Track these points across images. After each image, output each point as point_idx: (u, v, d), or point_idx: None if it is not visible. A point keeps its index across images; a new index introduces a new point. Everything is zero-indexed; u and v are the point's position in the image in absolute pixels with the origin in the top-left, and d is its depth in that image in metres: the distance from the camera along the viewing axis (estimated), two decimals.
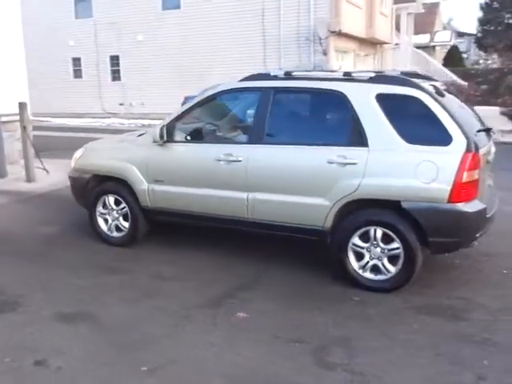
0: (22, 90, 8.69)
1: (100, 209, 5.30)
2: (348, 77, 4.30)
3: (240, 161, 4.48)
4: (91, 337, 3.51)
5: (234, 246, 5.13)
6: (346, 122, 4.21)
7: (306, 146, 4.30)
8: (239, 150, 4.51)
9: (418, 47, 26.90)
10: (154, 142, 4.77)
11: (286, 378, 3.02)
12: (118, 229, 5.26)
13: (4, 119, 8.29)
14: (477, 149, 3.83)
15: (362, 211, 4.12)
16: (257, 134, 4.48)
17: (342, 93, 4.19)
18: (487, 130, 4.38)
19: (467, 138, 3.81)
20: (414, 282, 4.24)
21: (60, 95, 21.37)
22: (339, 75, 4.36)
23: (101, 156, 5.32)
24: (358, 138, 4.09)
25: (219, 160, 4.55)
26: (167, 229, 5.41)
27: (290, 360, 3.20)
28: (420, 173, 3.87)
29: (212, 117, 4.94)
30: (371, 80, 4.19)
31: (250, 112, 4.62)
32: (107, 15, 20.11)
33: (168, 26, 19.11)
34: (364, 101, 4.11)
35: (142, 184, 4.97)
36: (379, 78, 4.20)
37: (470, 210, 3.83)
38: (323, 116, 4.51)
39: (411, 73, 4.89)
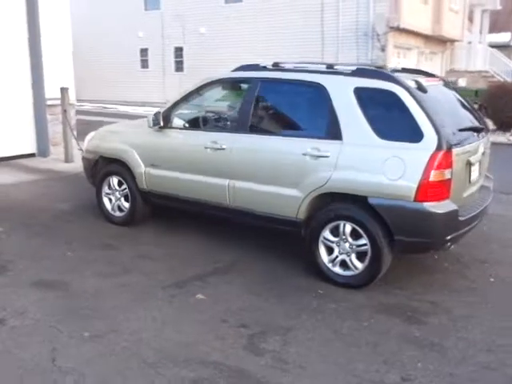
0: (68, 76, 9.22)
1: (105, 189, 5.60)
2: (331, 69, 4.27)
3: (224, 149, 4.58)
4: (54, 303, 3.77)
5: (223, 234, 5.24)
6: (324, 115, 4.17)
7: (284, 137, 4.32)
8: (224, 138, 4.61)
9: (495, 46, 25.46)
10: (148, 127, 4.98)
11: (210, 357, 3.09)
12: (119, 209, 5.54)
13: (49, 103, 8.89)
14: (449, 147, 3.68)
15: (333, 205, 4.09)
16: (241, 124, 4.56)
17: (322, 85, 4.17)
18: (473, 129, 4.17)
19: (439, 135, 3.66)
20: (389, 280, 4.18)
21: (127, 84, 22.40)
22: (322, 68, 4.33)
23: (107, 139, 5.61)
24: (333, 131, 4.06)
25: (206, 147, 4.68)
26: (171, 213, 5.61)
27: (224, 342, 3.27)
28: (387, 169, 3.78)
29: (204, 105, 5.07)
30: (352, 73, 4.13)
31: (238, 101, 4.68)
32: (173, 8, 20.78)
33: (229, 19, 19.43)
34: (342, 94, 4.07)
35: (139, 167, 5.20)
36: (361, 71, 4.13)
37: (437, 211, 3.69)
38: (303, 108, 4.49)
39: (413, 69, 4.77)
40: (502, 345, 3.32)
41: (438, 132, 3.67)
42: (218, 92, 4.92)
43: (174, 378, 2.88)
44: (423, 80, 4.18)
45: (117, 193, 5.51)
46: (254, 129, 4.51)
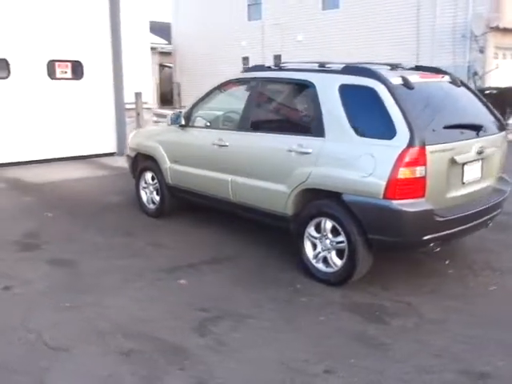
0: (145, 83, 10.08)
1: (142, 183, 6.12)
2: (322, 68, 4.31)
3: (227, 145, 4.81)
4: (58, 278, 4.28)
5: (235, 228, 5.44)
6: (312, 112, 4.22)
7: (275, 134, 4.44)
8: (227, 136, 4.84)
9: None
10: (168, 125, 5.38)
11: (157, 333, 3.32)
12: (152, 202, 6.01)
13: (128, 107, 9.79)
14: (422, 144, 3.55)
15: (316, 201, 4.12)
16: (242, 122, 4.76)
17: (312, 83, 4.23)
18: (466, 127, 3.92)
19: (411, 131, 3.54)
20: (377, 280, 4.12)
21: None
22: (315, 66, 4.38)
23: (144, 137, 6.12)
24: (317, 128, 4.09)
25: (214, 144, 4.95)
26: (199, 208, 5.93)
27: (177, 322, 3.49)
28: (360, 166, 3.74)
29: (218, 105, 5.32)
30: (340, 71, 4.14)
31: (243, 100, 4.87)
32: (273, 17, 21.33)
33: (326, 26, 19.47)
34: (328, 91, 4.09)
35: (165, 163, 5.62)
36: (348, 68, 4.11)
37: (407, 210, 3.57)
38: (295, 105, 4.55)
39: (426, 67, 4.62)
40: (454, 352, 3.13)
41: (410, 129, 3.55)
42: (230, 92, 5.16)
43: (114, 346, 3.17)
44: (415, 77, 4.05)
45: (150, 187, 5.99)
46: (253, 126, 4.68)
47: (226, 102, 5.18)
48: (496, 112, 4.46)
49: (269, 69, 4.76)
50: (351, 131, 3.87)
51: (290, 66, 4.65)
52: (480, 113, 4.32)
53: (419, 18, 16.68)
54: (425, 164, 3.56)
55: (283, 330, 3.42)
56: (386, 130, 3.67)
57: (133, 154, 6.26)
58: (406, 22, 16.97)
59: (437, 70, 4.52)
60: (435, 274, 4.35)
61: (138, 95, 9.31)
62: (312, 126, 4.18)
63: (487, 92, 14.53)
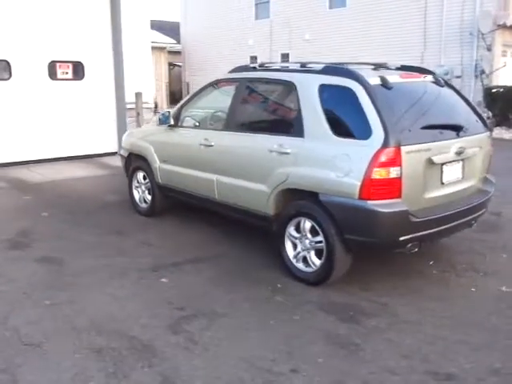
0: (147, 83, 10.14)
1: (135, 182, 6.18)
2: (303, 68, 4.32)
3: (212, 145, 4.85)
4: (43, 276, 4.34)
5: (225, 229, 5.45)
6: (293, 112, 4.23)
7: (257, 134, 4.46)
8: (213, 136, 4.88)
9: None
10: (157, 126, 5.43)
11: (131, 331, 3.36)
12: (144, 201, 6.07)
13: (128, 106, 9.88)
14: (397, 145, 3.54)
15: (295, 201, 4.14)
16: (227, 122, 4.79)
17: (293, 83, 4.24)
18: (437, 127, 3.89)
19: (386, 132, 3.54)
20: (357, 280, 4.13)
21: None
22: (297, 66, 4.39)
23: (136, 137, 6.18)
24: (298, 128, 4.11)
25: (200, 144, 4.98)
26: (191, 207, 5.97)
27: (152, 320, 3.53)
28: (336, 166, 3.75)
29: (206, 105, 5.36)
30: (320, 71, 4.14)
31: (228, 100, 4.90)
32: (281, 15, 21.32)
33: (333, 24, 19.40)
34: (308, 91, 4.10)
35: (155, 162, 5.67)
36: (328, 68, 4.12)
37: (381, 210, 3.57)
38: (277, 105, 4.56)
39: (410, 67, 4.60)
40: (424, 353, 3.13)
41: (385, 129, 3.55)
42: (217, 92, 5.19)
43: (87, 343, 3.23)
44: (395, 77, 4.04)
45: (142, 186, 6.06)
46: (237, 126, 4.71)
47: (213, 102, 5.22)
48: (481, 112, 4.43)
49: (253, 69, 4.79)
50: (329, 131, 3.88)
51: (273, 66, 4.67)
52: (462, 113, 4.29)
53: (426, 16, 16.54)
54: (400, 164, 3.56)
55: (255, 328, 3.45)
56: (362, 130, 3.68)
57: (126, 154, 6.32)
58: (413, 20, 16.84)
59: (421, 70, 4.51)
60: (417, 275, 4.34)
61: (138, 95, 9.39)
62: (292, 126, 4.20)
63: (494, 90, 14.38)
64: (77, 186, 7.66)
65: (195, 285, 4.17)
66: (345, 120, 3.90)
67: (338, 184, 3.73)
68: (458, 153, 3.93)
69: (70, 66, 9.42)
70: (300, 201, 4.08)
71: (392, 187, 3.59)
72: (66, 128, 9.34)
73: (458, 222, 4.03)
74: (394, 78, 4.01)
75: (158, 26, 29.63)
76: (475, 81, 15.64)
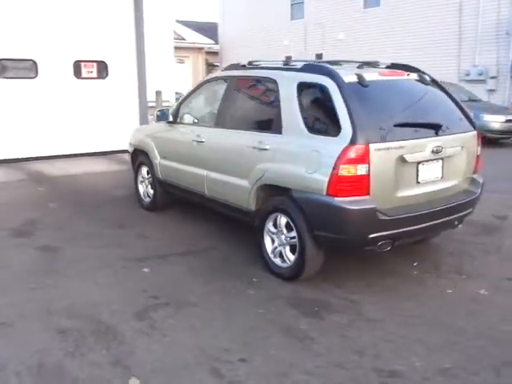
0: (169, 82, 10.39)
1: (140, 177, 6.39)
2: (286, 66, 4.37)
3: (203, 141, 4.97)
4: (38, 262, 4.59)
5: (220, 224, 5.57)
6: (273, 109, 4.29)
7: (242, 131, 4.55)
8: (204, 132, 5.00)
9: None
10: (155, 122, 5.60)
11: (100, 316, 3.53)
12: (148, 195, 6.27)
13: (150, 105, 10.16)
14: (365, 142, 3.55)
15: (273, 197, 4.20)
16: (216, 119, 4.91)
17: (275, 81, 4.31)
18: (412, 125, 3.85)
19: (354, 129, 3.56)
20: (333, 278, 4.16)
21: None
22: (280, 64, 4.45)
23: (141, 133, 6.38)
24: (277, 124, 4.18)
25: (193, 140, 5.12)
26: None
27: (124, 307, 3.68)
28: (307, 162, 3.79)
29: (200, 102, 5.48)
30: (300, 69, 4.19)
31: (219, 98, 5.00)
32: (315, 16, 21.28)
33: (367, 24, 19.20)
34: (288, 89, 4.16)
35: (156, 158, 5.85)
36: (308, 66, 4.16)
37: (349, 207, 3.58)
38: (260, 102, 4.63)
39: (401, 65, 4.57)
40: (377, 350, 3.14)
41: (354, 126, 3.57)
42: (210, 90, 5.31)
43: (55, 324, 3.41)
44: (374, 74, 4.04)
45: (146, 181, 6.26)
46: (224, 123, 4.81)
47: (206, 99, 5.34)
48: (468, 111, 4.36)
49: (242, 67, 4.87)
50: (304, 128, 3.93)
51: (260, 64, 4.74)
52: (445, 111, 4.23)
53: (461, 15, 16.13)
54: (368, 162, 3.57)
55: (218, 319, 3.54)
56: (333, 127, 3.71)
57: (131, 150, 6.54)
58: (448, 20, 16.45)
59: (408, 68, 4.47)
60: (396, 275, 4.31)
61: (158, 93, 9.65)
62: (273, 122, 4.27)
63: None
64: (92, 180, 7.97)
65: (174, 276, 4.30)
66: (319, 117, 3.94)
67: (308, 180, 3.77)
68: (436, 151, 3.89)
69: (95, 65, 9.78)
70: (277, 197, 4.14)
71: (360, 184, 3.60)
72: (90, 125, 9.70)
73: (436, 221, 3.98)
74: (371, 75, 4.01)
75: (196, 26, 30.19)
76: (511, 81, 15.11)
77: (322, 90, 3.87)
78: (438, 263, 4.55)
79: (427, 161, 3.92)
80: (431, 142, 3.88)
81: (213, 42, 27.96)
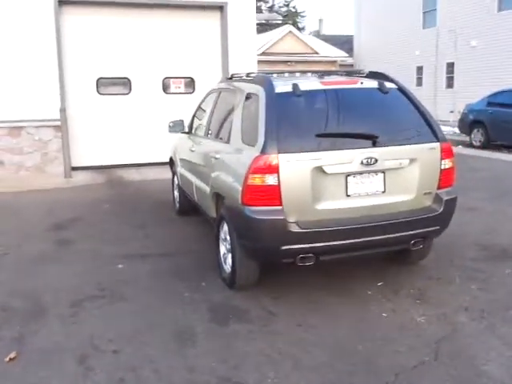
0: None
1: (174, 184, 6.90)
2: (246, 77, 4.46)
3: (194, 151, 5.27)
4: (47, 251, 5.30)
5: None
6: (231, 119, 4.40)
7: (211, 141, 4.74)
8: (196, 141, 5.30)
9: None
10: (169, 132, 6.04)
11: (43, 298, 4.04)
12: (178, 201, 6.74)
13: None
14: (274, 152, 3.50)
15: (222, 205, 4.31)
16: (203, 129, 5.17)
17: (235, 92, 4.45)
18: (339, 136, 3.62)
19: (266, 139, 3.54)
20: (279, 289, 4.15)
21: None
22: (244, 76, 4.55)
23: (174, 143, 6.88)
24: (229, 134, 4.30)
25: (190, 150, 5.45)
26: None
27: (68, 294, 4.13)
28: (233, 171, 3.86)
29: (201, 113, 5.74)
30: (251, 80, 4.26)
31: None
32: (448, 23, 19.95)
33: (502, 29, 17.42)
34: (239, 99, 4.28)
35: (178, 167, 6.30)
36: (256, 77, 4.23)
37: (257, 217, 3.56)
38: (226, 113, 4.69)
39: (378, 73, 4.38)
40: (244, 361, 3.10)
41: (266, 136, 3.55)
42: (208, 101, 5.55)
43: (1, 301, 4.01)
44: (315, 83, 3.93)
45: (176, 187, 6.73)
46: (207, 133, 5.06)
47: (205, 110, 5.61)
48: (434, 123, 3.95)
49: (227, 79, 5.06)
50: (239, 137, 4.00)
51: (238, 76, 4.88)
52: (399, 122, 3.91)
53: None
54: (276, 172, 3.51)
55: (133, 315, 3.78)
56: (253, 137, 3.73)
57: (169, 159, 7.08)
58: None
59: (378, 76, 4.23)
60: (349, 293, 4.09)
61: None
62: (227, 132, 4.39)
63: None
64: (156, 186, 8.70)
65: (137, 273, 4.62)
66: (250, 126, 3.94)
67: (232, 189, 3.84)
68: (367, 164, 3.64)
69: (182, 81, 10.65)
70: (223, 204, 4.25)
71: (270, 194, 3.55)
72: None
73: (372, 238, 3.69)
74: (313, 84, 3.92)
75: (330, 39, 30.36)
76: None
77: (256, 99, 3.91)
78: (404, 286, 4.18)
79: (360, 173, 3.68)
80: (361, 154, 3.64)
81: (346, 54, 27.84)
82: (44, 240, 5.72)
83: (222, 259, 4.34)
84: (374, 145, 3.70)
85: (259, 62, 25.13)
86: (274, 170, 3.51)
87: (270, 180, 3.53)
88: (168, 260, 4.97)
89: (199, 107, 5.84)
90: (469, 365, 3.02)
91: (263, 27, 36.05)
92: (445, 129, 17.91)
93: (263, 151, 3.54)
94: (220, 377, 2.94)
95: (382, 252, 4.28)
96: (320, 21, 42.19)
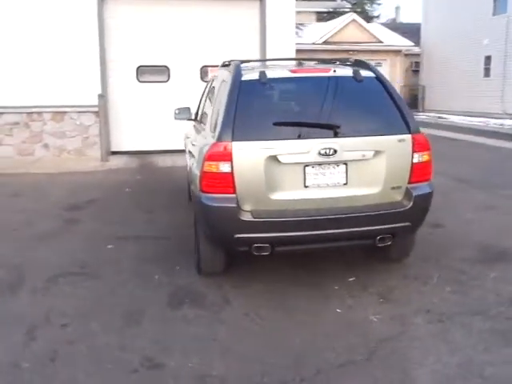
0: None
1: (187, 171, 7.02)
2: (226, 65, 4.45)
3: (190, 137, 5.34)
4: (55, 229, 5.61)
5: None
6: (210, 107, 4.42)
7: (199, 128, 4.79)
8: (195, 129, 5.36)
9: None
10: (175, 119, 6.13)
11: (27, 269, 4.29)
12: None
13: None
14: (228, 140, 3.48)
15: None
16: (199, 116, 5.22)
17: (218, 80, 4.44)
18: (297, 125, 3.51)
19: (222, 127, 3.54)
20: (247, 279, 4.15)
21: (464, 94, 21.55)
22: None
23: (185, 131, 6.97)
24: (205, 122, 4.33)
25: (187, 137, 5.53)
26: None
27: (50, 269, 4.36)
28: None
29: (203, 100, 5.77)
30: (227, 67, 4.25)
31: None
32: None
33: None
34: (217, 87, 4.32)
35: (186, 154, 6.39)
36: (231, 65, 4.18)
37: (209, 204, 3.58)
38: (210, 100, 4.68)
39: (361, 62, 4.26)
40: (167, 345, 3.15)
41: (222, 124, 3.55)
42: (208, 87, 5.57)
43: None
44: (284, 72, 3.86)
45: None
46: (200, 121, 5.11)
47: (205, 97, 5.64)
48: (408, 113, 3.74)
49: (222, 67, 5.05)
50: (209, 125, 4.02)
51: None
52: (368, 112, 3.74)
53: None
54: (230, 160, 3.49)
55: (98, 293, 3.94)
56: (216, 125, 3.73)
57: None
58: None
59: (359, 64, 4.08)
60: (315, 287, 4.00)
61: None
62: (206, 120, 4.41)
63: None
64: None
65: (123, 254, 4.78)
66: (216, 114, 3.93)
67: (195, 176, 3.88)
68: (325, 154, 3.52)
69: None
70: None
71: (223, 182, 3.54)
72: None
73: (331, 231, 3.58)
74: (282, 73, 3.85)
75: (400, 28, 29.28)
76: None
77: (225, 87, 3.91)
78: (375, 284, 4.03)
79: (319, 164, 3.58)
80: (320, 144, 3.53)
81: (412, 43, 26.71)
82: (55, 219, 6.05)
83: (195, 246, 4.40)
84: (336, 135, 3.59)
85: (320, 51, 24.90)
86: (227, 157, 3.51)
87: (224, 168, 3.53)
88: (159, 244, 5.10)
89: (203, 95, 5.89)
90: (399, 368, 2.89)
91: (330, 15, 35.41)
92: None
93: (219, 139, 3.54)
94: (144, 356, 3.02)
95: (344, 246, 4.16)
96: (397, 8, 40.83)
